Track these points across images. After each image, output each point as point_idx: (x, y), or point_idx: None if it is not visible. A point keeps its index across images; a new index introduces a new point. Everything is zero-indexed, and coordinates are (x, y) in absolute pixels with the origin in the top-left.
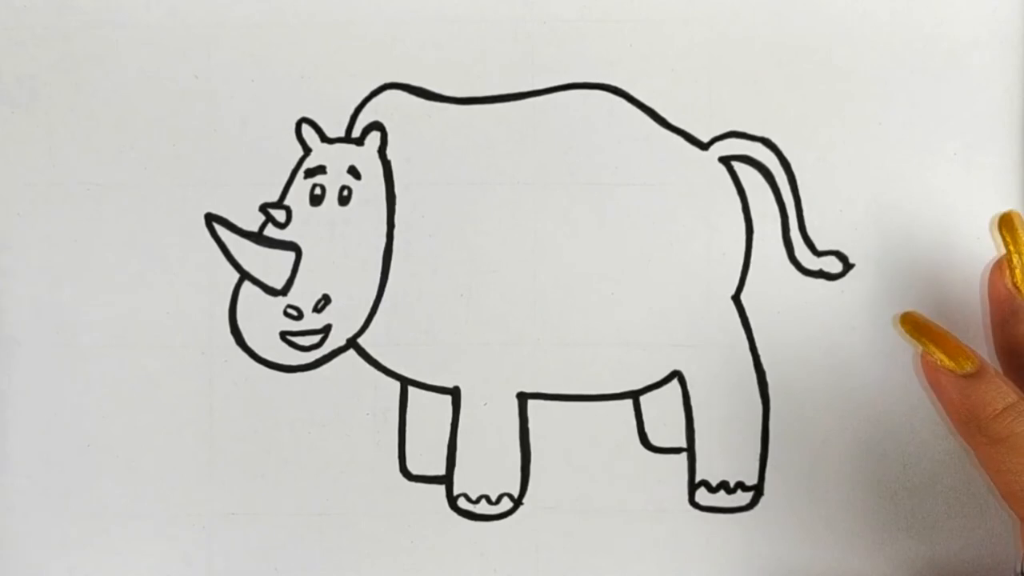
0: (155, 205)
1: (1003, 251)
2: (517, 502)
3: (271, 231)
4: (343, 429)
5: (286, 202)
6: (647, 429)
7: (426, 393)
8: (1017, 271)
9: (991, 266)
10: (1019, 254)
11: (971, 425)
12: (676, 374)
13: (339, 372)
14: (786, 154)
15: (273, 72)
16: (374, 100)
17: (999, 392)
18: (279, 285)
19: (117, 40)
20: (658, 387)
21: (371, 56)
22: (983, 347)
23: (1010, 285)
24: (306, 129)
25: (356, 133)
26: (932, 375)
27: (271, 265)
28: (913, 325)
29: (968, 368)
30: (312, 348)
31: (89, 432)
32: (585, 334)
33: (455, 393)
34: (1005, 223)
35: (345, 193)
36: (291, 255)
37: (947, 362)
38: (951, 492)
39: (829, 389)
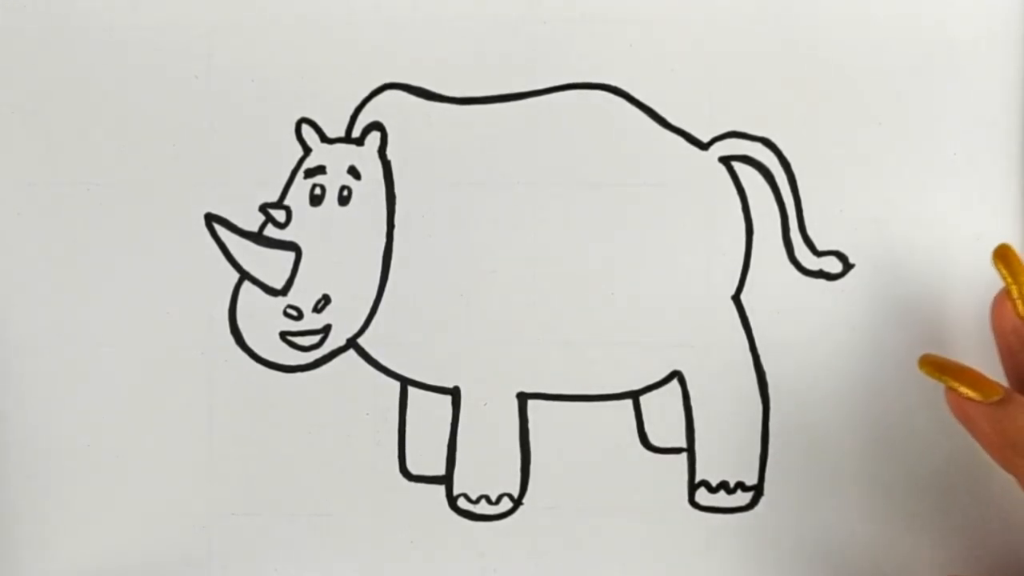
0: (155, 205)
1: (1003, 283)
2: (517, 502)
3: (271, 231)
4: (343, 429)
5: (286, 202)
6: (647, 429)
7: (426, 393)
8: (1019, 303)
9: (996, 298)
10: (1018, 285)
11: (1009, 451)
12: (676, 374)
13: (339, 372)
14: (786, 154)
15: (273, 72)
16: (374, 100)
17: None
18: (279, 285)
19: (117, 40)
20: (658, 387)
21: (371, 56)
22: (997, 369)
23: (1015, 317)
24: (306, 129)
25: (356, 133)
26: (960, 410)
27: (271, 265)
28: (933, 365)
29: (994, 396)
30: (312, 348)
31: (89, 432)
32: (585, 334)
33: (455, 393)
34: (1000, 256)
35: (345, 193)
36: (291, 255)
37: (972, 394)
38: (952, 492)
39: (829, 389)
